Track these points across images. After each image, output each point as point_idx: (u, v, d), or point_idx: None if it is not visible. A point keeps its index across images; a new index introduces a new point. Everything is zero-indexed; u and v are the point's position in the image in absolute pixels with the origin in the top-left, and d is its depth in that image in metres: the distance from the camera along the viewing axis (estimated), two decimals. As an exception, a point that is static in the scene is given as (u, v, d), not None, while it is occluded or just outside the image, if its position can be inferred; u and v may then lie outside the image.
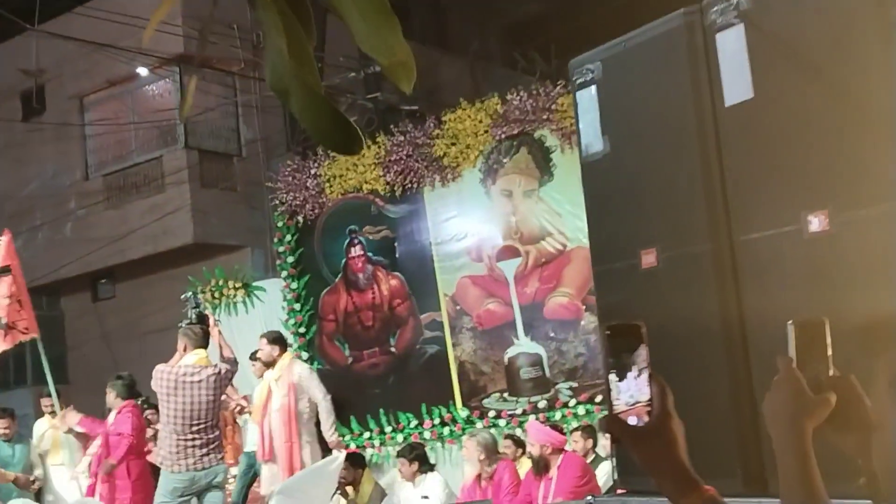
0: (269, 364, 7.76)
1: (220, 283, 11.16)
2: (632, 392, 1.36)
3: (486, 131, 9.47)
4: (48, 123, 14.57)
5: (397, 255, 10.11)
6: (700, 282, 2.55)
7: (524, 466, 7.00)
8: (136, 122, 13.83)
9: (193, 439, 6.39)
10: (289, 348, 8.46)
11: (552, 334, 9.00)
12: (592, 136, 2.73)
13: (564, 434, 6.97)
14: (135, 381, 7.50)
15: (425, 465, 7.67)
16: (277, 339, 7.91)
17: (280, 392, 7.57)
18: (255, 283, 11.26)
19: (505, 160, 9.44)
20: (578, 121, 2.73)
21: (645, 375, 1.36)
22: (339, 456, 7.43)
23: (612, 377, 1.37)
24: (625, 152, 2.69)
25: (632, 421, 1.35)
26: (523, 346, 9.19)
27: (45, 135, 14.68)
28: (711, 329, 2.42)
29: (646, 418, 1.35)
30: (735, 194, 2.46)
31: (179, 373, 6.45)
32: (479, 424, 8.99)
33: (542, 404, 8.82)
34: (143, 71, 13.93)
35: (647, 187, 2.65)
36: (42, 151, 14.85)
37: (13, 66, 14.86)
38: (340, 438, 7.82)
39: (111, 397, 7.43)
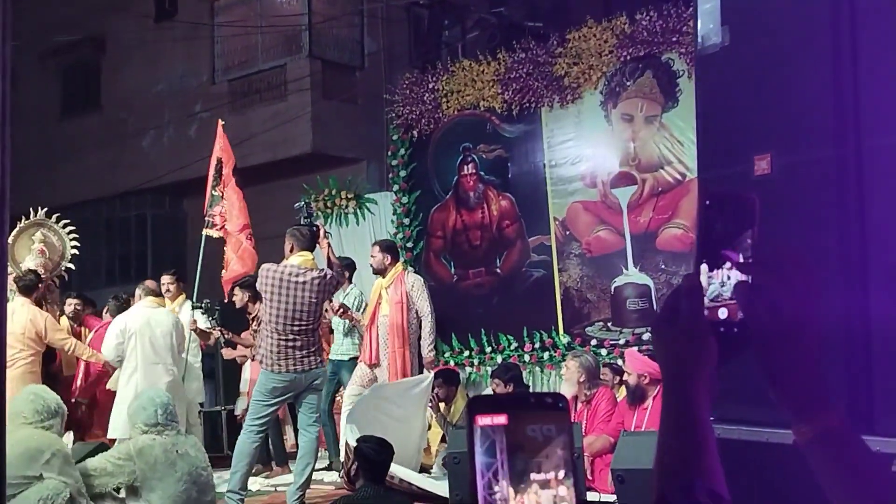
0: (380, 272, 7.80)
1: (333, 193, 11.21)
2: (727, 287, 1.12)
3: (610, 52, 9.12)
4: (180, 22, 14.76)
5: (509, 176, 9.93)
6: (819, 192, 2.31)
7: (620, 396, 6.84)
8: (263, 27, 13.86)
9: (294, 340, 6.36)
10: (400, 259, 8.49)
11: (663, 266, 8.73)
12: (710, 27, 2.49)
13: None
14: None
15: (519, 387, 7.56)
16: (390, 248, 7.97)
17: (392, 301, 7.62)
18: (366, 196, 11.26)
19: (628, 83, 9.09)
20: (697, 9, 2.49)
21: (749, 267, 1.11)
22: (427, 376, 7.41)
23: (703, 267, 1.13)
24: (745, 45, 2.44)
25: (722, 315, 1.12)
26: (632, 276, 8.95)
27: (176, 35, 14.88)
28: (828, 246, 2.17)
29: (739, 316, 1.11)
30: (868, 95, 2.19)
31: (284, 272, 6.41)
32: (580, 352, 8.85)
33: (646, 336, 8.59)
34: (272, -24, 13.96)
35: (766, 85, 2.41)
36: (172, 52, 15.08)
37: (148, -33, 15.11)
38: (434, 356, 7.77)
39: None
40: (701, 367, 1.09)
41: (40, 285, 7.71)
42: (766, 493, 2.18)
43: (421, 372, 7.81)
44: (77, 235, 8.83)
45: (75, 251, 8.73)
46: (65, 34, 15.63)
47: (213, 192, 8.70)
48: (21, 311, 7.28)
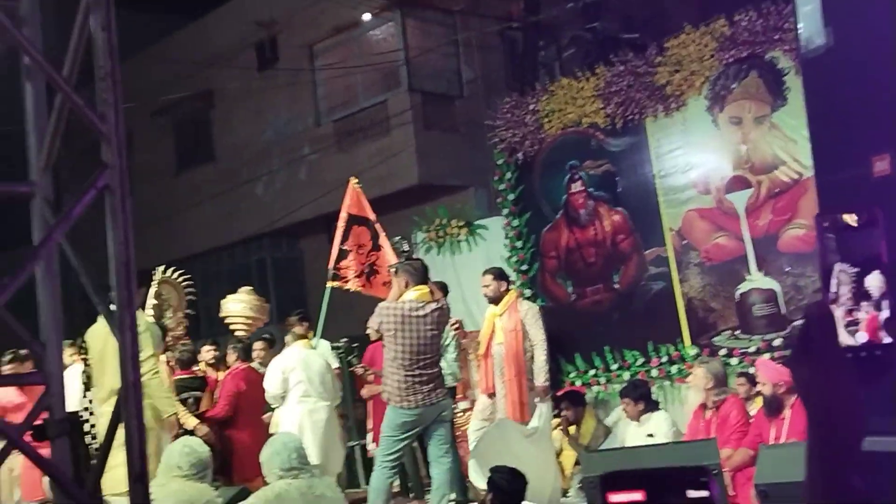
0: (495, 300, 7.68)
1: (444, 222, 11.27)
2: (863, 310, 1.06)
3: (711, 56, 8.95)
4: (282, 70, 15.14)
5: (619, 190, 9.81)
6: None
7: (755, 406, 6.64)
8: (362, 66, 14.11)
9: (420, 375, 6.41)
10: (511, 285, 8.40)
11: (787, 268, 8.48)
12: (813, 29, 2.41)
13: (799, 373, 6.53)
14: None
15: (650, 404, 7.43)
16: (503, 275, 7.88)
17: (506, 328, 7.52)
18: (477, 222, 11.29)
19: (733, 86, 8.90)
20: (797, 11, 2.42)
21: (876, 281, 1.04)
22: (543, 411, 7.27)
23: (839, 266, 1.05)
24: (850, 44, 2.35)
25: (861, 339, 1.06)
26: (756, 281, 8.71)
27: (279, 82, 15.28)
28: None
29: None
30: None
31: (405, 308, 6.47)
32: (709, 363, 8.64)
33: (777, 342, 8.34)
34: (366, 16, 14.20)
35: (877, 84, 2.31)
36: (276, 100, 15.48)
37: (249, 20, 15.55)
38: (548, 386, 7.57)
39: (232, 358, 8.05)
40: (842, 394, 1.05)
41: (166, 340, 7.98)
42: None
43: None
44: (193, 287, 9.10)
45: (191, 297, 9.00)
46: (174, 91, 16.21)
47: (341, 246, 8.91)
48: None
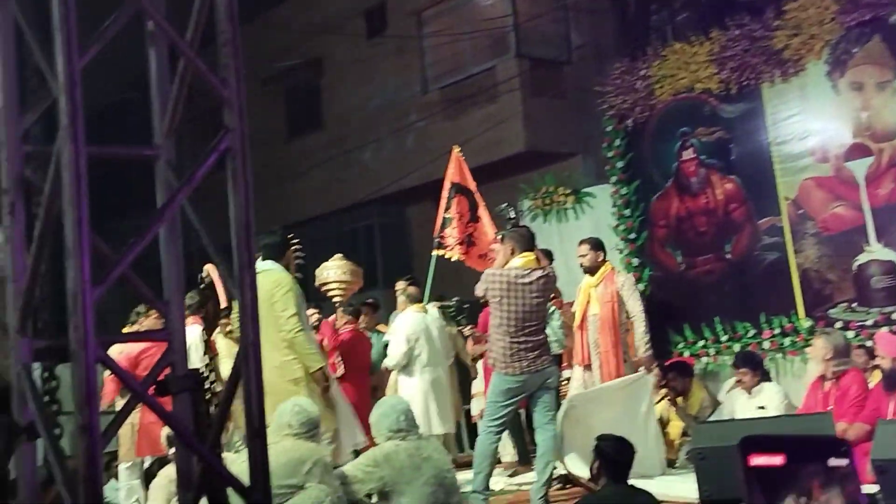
0: (591, 270, 7.56)
1: (551, 189, 11.20)
2: None
3: (832, 19, 8.66)
4: (390, 37, 15.20)
5: (732, 157, 9.58)
6: None
7: (874, 379, 6.44)
8: (470, 32, 14.05)
9: (525, 342, 6.38)
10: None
11: (910, 239, 8.18)
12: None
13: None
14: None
15: (764, 375, 7.27)
16: (600, 245, 7.70)
17: (602, 300, 7.40)
18: (584, 190, 11.18)
19: (855, 50, 8.60)
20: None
21: None
22: (639, 374, 7.16)
23: None
24: None
25: None
26: (875, 252, 8.43)
27: (387, 50, 15.35)
28: None
29: None
30: None
31: (511, 275, 6.44)
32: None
33: (896, 315, 8.08)
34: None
35: None
36: (384, 67, 15.55)
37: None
38: (651, 356, 7.41)
39: (341, 321, 8.19)
40: None
41: None
42: None
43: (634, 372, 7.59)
44: (301, 250, 9.22)
45: (300, 261, 9.13)
46: (285, 59, 16.45)
47: (445, 214, 8.94)
48: None
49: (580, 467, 6.50)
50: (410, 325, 7.89)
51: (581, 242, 7.72)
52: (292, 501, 4.61)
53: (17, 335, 2.81)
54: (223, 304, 8.03)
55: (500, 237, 7.07)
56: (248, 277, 2.91)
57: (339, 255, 8.85)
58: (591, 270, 7.55)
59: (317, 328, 8.84)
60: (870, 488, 4.65)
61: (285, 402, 5.19)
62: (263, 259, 6.18)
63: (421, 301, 8.21)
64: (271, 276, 6.06)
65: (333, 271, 8.41)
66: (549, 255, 7.76)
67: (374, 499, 5.04)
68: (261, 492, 2.74)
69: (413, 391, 7.71)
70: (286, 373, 5.92)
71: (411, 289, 8.31)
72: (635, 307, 7.43)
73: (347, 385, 8.03)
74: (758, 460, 0.81)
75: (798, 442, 0.85)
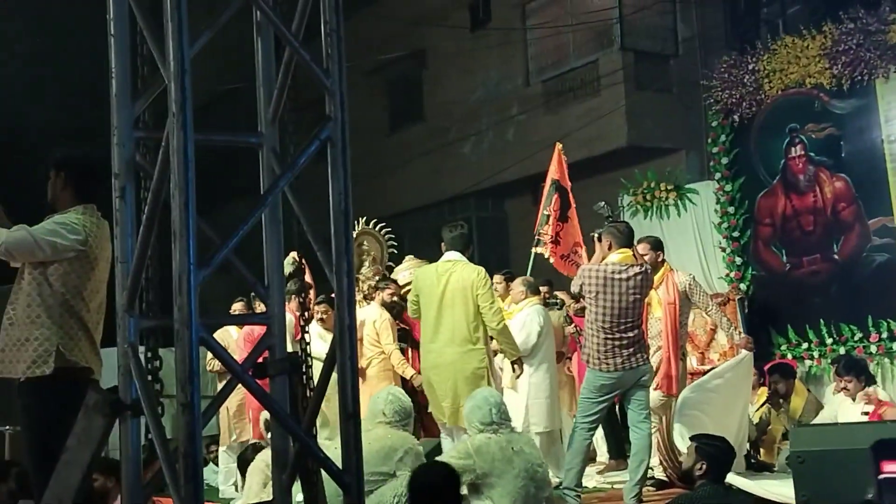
0: (651, 271, 6.95)
1: (652, 185, 11.04)
2: None
3: (953, 12, 8.31)
4: (494, 29, 15.19)
5: (843, 155, 9.32)
6: None
7: None
8: (574, 24, 13.94)
9: (621, 339, 6.30)
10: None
11: None
12: None
13: None
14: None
15: (869, 381, 7.04)
16: (660, 245, 7.34)
17: (664, 300, 7.08)
18: (687, 186, 10.98)
19: (978, 43, 8.24)
20: None
21: None
22: (746, 354, 7.01)
23: None
24: None
25: None
26: None
27: (490, 42, 15.34)
28: None
29: None
30: None
31: (608, 271, 6.37)
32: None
33: None
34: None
35: None
36: (487, 59, 15.55)
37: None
38: (748, 338, 7.21)
39: None
40: None
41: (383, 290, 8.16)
42: None
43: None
44: (394, 241, 9.27)
45: (393, 251, 9.19)
46: (388, 51, 16.58)
47: (544, 211, 8.86)
48: (371, 314, 7.78)
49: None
50: (541, 316, 7.74)
51: (640, 241, 7.26)
52: (384, 488, 4.66)
53: (125, 314, 2.91)
54: (311, 290, 8.18)
55: (595, 235, 6.94)
56: (345, 264, 2.95)
57: (410, 257, 8.89)
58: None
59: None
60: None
61: (381, 390, 5.25)
62: (448, 250, 6.64)
63: (539, 293, 8.08)
64: (472, 269, 6.49)
65: (404, 273, 8.45)
66: (657, 243, 7.47)
67: (465, 490, 5.06)
68: (353, 474, 2.78)
69: (539, 384, 7.56)
70: (473, 358, 6.34)
71: (530, 278, 8.22)
72: (708, 301, 7.22)
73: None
74: (892, 467, 0.68)
75: None
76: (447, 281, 6.44)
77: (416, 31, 16.32)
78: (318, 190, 3.11)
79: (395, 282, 8.44)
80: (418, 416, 7.77)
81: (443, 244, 6.80)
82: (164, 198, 2.80)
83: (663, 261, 7.25)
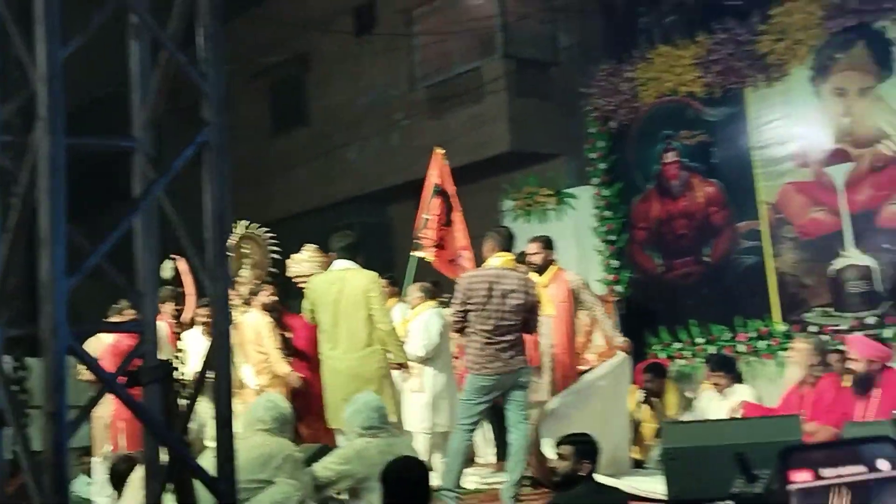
0: (541, 270, 7.13)
1: (533, 190, 11.24)
2: None
3: (818, 24, 8.74)
4: (379, 35, 15.19)
5: (714, 161, 9.67)
6: None
7: (845, 384, 6.49)
8: (458, 32, 14.05)
9: (500, 342, 6.36)
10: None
11: (886, 245, 8.29)
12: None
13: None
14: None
15: (737, 378, 7.32)
16: (551, 244, 7.32)
17: (556, 299, 7.07)
18: (566, 191, 11.22)
19: (839, 56, 8.69)
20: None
21: None
22: (622, 356, 7.13)
23: None
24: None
25: None
26: (852, 257, 8.52)
27: (375, 48, 15.33)
28: None
29: None
30: None
31: (489, 275, 6.46)
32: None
33: (870, 320, 8.17)
34: (464, -19, 14.13)
35: None
36: (372, 65, 15.53)
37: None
38: (627, 340, 7.23)
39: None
40: None
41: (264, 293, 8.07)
42: None
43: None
44: (277, 247, 9.20)
45: (276, 255, 9.11)
46: (271, 55, 16.40)
47: (425, 214, 8.89)
48: (252, 319, 7.71)
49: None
50: (440, 317, 7.76)
51: (532, 241, 7.36)
52: (261, 496, 4.62)
53: (-12, 323, 2.83)
54: (189, 296, 8.06)
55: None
56: (220, 270, 2.93)
57: (312, 247, 8.82)
58: (540, 270, 7.16)
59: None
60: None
61: (259, 397, 5.21)
62: (339, 259, 6.84)
63: (435, 296, 8.11)
64: (365, 274, 6.71)
65: (304, 265, 8.40)
66: (548, 242, 7.40)
67: (345, 496, 5.06)
68: (227, 482, 2.77)
69: (443, 384, 7.67)
70: (373, 361, 6.58)
71: (426, 284, 8.28)
72: (594, 300, 7.29)
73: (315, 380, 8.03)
74: (801, 477, 0.64)
75: (850, 448, 0.68)
76: (341, 289, 6.58)
77: (300, 36, 16.18)
78: (198, 195, 3.09)
79: (273, 284, 8.38)
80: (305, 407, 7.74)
81: (332, 253, 6.94)
82: (32, 204, 2.73)
83: (553, 260, 7.28)
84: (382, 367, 6.65)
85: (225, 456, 2.82)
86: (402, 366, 6.89)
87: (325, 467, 5.03)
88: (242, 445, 4.45)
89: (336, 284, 6.64)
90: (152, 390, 2.99)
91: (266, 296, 7.97)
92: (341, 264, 6.77)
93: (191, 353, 6.93)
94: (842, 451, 0.67)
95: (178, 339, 7.83)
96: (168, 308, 7.79)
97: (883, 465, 0.67)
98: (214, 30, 3.06)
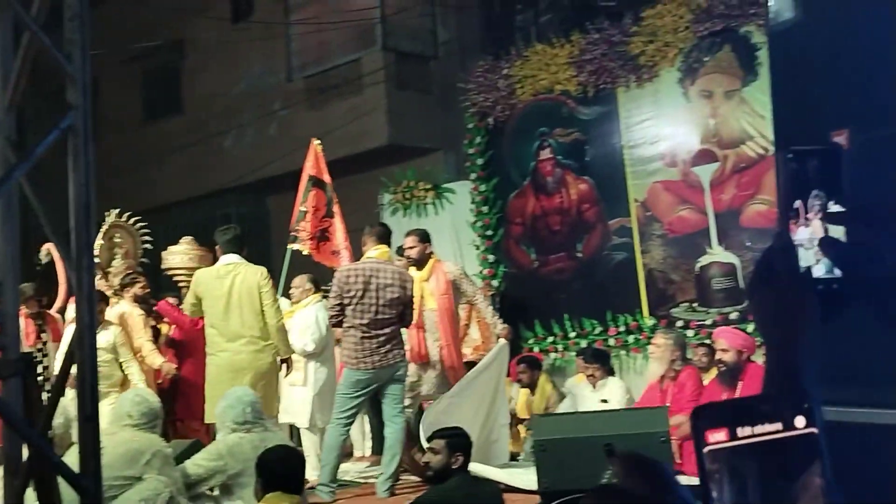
0: (419, 263, 7.14)
1: (411, 184, 11.26)
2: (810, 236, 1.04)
3: (686, 28, 8.99)
4: (256, 23, 14.95)
5: (587, 159, 9.86)
6: (899, 167, 2.25)
7: (709, 378, 6.73)
8: (337, 22, 13.95)
9: (377, 336, 6.38)
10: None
11: (748, 243, 8.59)
12: (783, 1, 2.43)
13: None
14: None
15: (610, 370, 7.51)
16: (427, 237, 7.34)
17: (436, 293, 7.11)
18: (444, 185, 11.28)
19: (706, 59, 8.95)
20: (766, -16, 2.44)
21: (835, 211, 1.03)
22: (501, 344, 7.20)
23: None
24: (818, 18, 2.38)
25: (819, 272, 1.03)
26: (717, 255, 8.82)
27: (252, 35, 15.08)
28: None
29: None
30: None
31: (365, 269, 6.45)
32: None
33: (733, 316, 8.47)
34: (343, -29, 14.01)
35: (842, 59, 2.34)
36: (249, 53, 15.28)
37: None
38: (507, 327, 7.31)
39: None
40: (802, 325, 1.04)
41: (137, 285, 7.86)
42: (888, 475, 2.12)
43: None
44: (149, 236, 8.98)
45: (148, 246, 8.89)
46: (145, 39, 15.95)
47: (301, 207, 8.78)
48: (123, 310, 7.50)
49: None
50: (319, 312, 7.66)
51: (408, 234, 7.37)
52: (129, 493, 4.50)
53: None
54: (62, 286, 7.78)
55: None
56: (86, 259, 2.83)
57: (189, 239, 8.64)
58: (418, 264, 7.14)
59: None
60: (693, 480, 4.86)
61: (126, 391, 5.07)
62: (224, 253, 6.81)
63: (320, 289, 8.01)
64: (255, 269, 6.74)
65: (180, 257, 8.23)
66: (425, 235, 7.39)
67: (216, 491, 4.97)
68: (91, 478, 2.68)
69: (326, 379, 7.66)
70: (267, 355, 6.64)
71: (312, 276, 8.18)
72: (475, 290, 7.39)
73: (191, 368, 7.87)
74: (717, 437, 0.62)
75: (761, 408, 0.66)
76: (232, 283, 6.57)
77: (175, 21, 15.79)
78: (61, 184, 2.98)
79: (144, 275, 8.18)
80: (171, 418, 7.57)
81: (217, 248, 6.92)
82: None
83: (431, 253, 7.28)
84: (274, 362, 6.70)
85: (89, 451, 2.72)
86: (286, 361, 6.88)
87: (196, 464, 4.92)
88: (109, 441, 4.32)
89: (226, 279, 6.62)
90: (13, 384, 2.87)
91: (139, 288, 7.77)
92: (230, 258, 6.77)
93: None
94: (757, 408, 0.68)
95: (42, 331, 7.58)
96: (31, 305, 7.53)
97: (800, 421, 0.67)
98: (80, 10, 2.95)
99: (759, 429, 0.72)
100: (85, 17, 2.96)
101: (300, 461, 4.27)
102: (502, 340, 7.20)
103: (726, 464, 0.69)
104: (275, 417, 6.98)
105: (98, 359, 6.99)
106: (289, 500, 3.89)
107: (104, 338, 6.98)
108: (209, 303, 6.64)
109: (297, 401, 7.57)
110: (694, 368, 6.80)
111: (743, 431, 0.70)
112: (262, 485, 3.93)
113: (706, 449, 0.69)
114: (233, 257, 6.77)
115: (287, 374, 7.15)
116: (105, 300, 7.26)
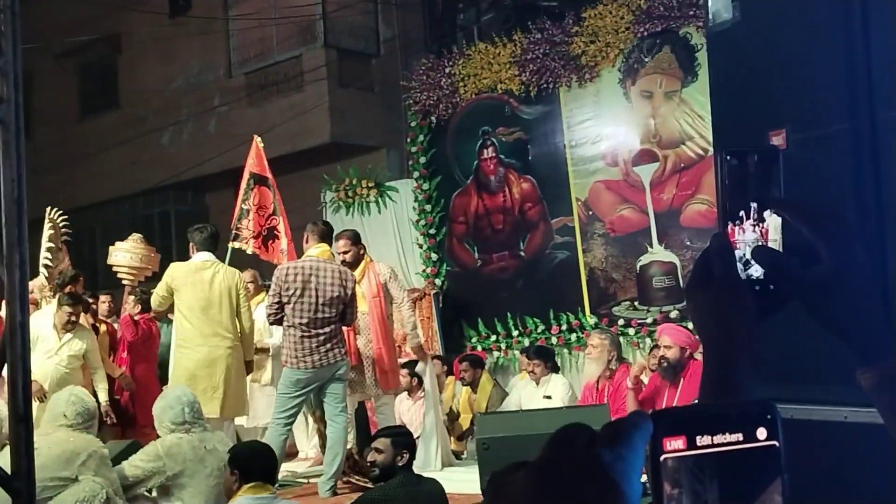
0: (353, 265, 6.97)
1: (354, 182, 11.20)
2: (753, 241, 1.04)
3: (627, 28, 9.07)
4: (194, 17, 14.75)
5: (530, 158, 9.90)
6: (834, 166, 2.28)
7: (647, 375, 6.79)
8: (277, 18, 13.84)
9: (317, 335, 6.31)
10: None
11: (688, 242, 8.69)
12: (721, 3, 2.45)
13: (697, 340, 6.70)
14: None
15: (551, 366, 7.55)
16: (359, 238, 7.24)
17: (367, 295, 7.00)
18: (387, 184, 11.24)
19: (646, 59, 9.04)
20: (706, -16, 2.46)
21: (773, 219, 1.04)
22: (424, 367, 7.30)
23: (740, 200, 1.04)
24: (756, 20, 2.41)
25: (756, 273, 1.04)
26: (657, 254, 8.91)
27: (190, 30, 14.88)
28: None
29: None
30: (882, 66, 2.16)
31: (305, 267, 6.38)
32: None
33: (674, 314, 8.57)
34: (284, -32, 13.90)
35: (779, 60, 2.37)
36: (188, 48, 15.07)
37: (162, -37, 15.11)
38: (419, 342, 7.33)
39: (129, 306, 7.96)
40: (740, 326, 1.05)
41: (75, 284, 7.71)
42: (843, 473, 2.15)
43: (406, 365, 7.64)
44: (69, 231, 8.76)
45: (67, 238, 8.67)
46: (81, 33, 15.67)
47: (242, 205, 8.64)
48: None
49: None
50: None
51: (339, 237, 7.13)
52: (65, 494, 4.40)
53: None
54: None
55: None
56: (17, 256, 2.76)
57: (137, 237, 8.50)
58: (352, 266, 6.93)
59: (108, 315, 8.49)
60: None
61: (61, 391, 4.97)
62: (199, 251, 6.98)
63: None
64: (231, 271, 6.99)
65: (124, 255, 8.09)
66: (356, 237, 7.29)
67: (154, 493, 4.89)
68: (24, 480, 2.61)
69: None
70: (240, 353, 6.89)
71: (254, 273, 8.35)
72: (401, 294, 7.20)
73: (139, 374, 7.78)
74: (674, 445, 0.59)
75: (723, 415, 0.63)
76: (212, 281, 6.77)
77: (111, 15, 15.52)
78: None
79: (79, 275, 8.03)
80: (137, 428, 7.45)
81: (192, 245, 7.09)
82: None
83: (363, 254, 7.19)
84: (245, 359, 6.98)
85: (22, 452, 2.65)
86: (250, 362, 7.12)
87: (134, 465, 4.84)
88: (44, 442, 4.23)
89: (205, 276, 6.80)
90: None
91: (79, 286, 7.66)
92: (204, 255, 6.96)
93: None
94: (718, 417, 0.65)
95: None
96: None
97: (761, 433, 0.65)
98: (12, 2, 2.88)
99: (718, 438, 0.70)
100: (16, 9, 2.89)
101: (273, 454, 4.59)
102: (421, 364, 7.36)
103: (683, 474, 0.67)
104: (245, 415, 7.34)
105: (68, 366, 7.03)
106: (267, 491, 4.16)
107: (78, 345, 7.09)
108: (186, 298, 6.78)
109: (261, 400, 7.71)
110: (628, 367, 6.85)
111: (702, 440, 0.68)
112: (239, 477, 4.16)
113: (663, 457, 0.67)
114: (207, 255, 6.95)
115: (249, 374, 7.27)
116: (81, 304, 7.24)
